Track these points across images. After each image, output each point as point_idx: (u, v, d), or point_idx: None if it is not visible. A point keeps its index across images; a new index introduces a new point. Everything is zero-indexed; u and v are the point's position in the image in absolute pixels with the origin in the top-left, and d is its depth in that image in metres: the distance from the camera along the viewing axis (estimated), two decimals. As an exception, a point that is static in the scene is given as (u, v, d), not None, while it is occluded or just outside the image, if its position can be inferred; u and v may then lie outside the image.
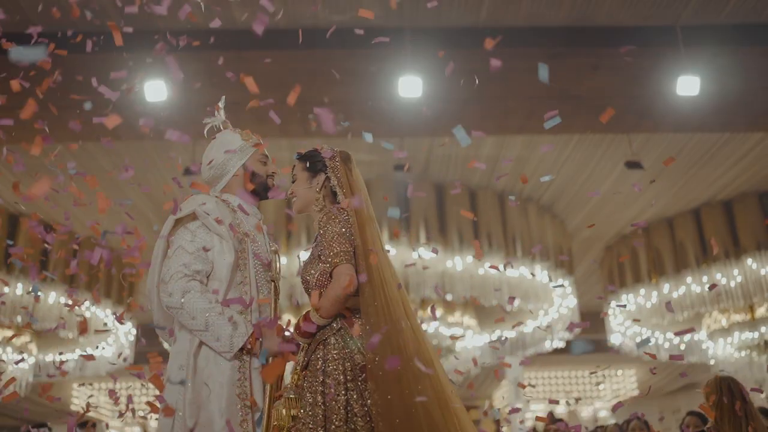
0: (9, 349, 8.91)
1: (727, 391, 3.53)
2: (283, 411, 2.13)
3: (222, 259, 2.27)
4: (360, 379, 2.09)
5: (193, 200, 2.34)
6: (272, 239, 2.56)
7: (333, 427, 2.02)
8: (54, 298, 8.38)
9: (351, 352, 2.12)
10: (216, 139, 2.52)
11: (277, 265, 2.46)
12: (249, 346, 2.19)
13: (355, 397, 2.07)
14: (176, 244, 2.28)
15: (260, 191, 2.49)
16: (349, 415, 2.05)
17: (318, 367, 2.13)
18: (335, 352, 2.13)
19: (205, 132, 2.59)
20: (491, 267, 3.09)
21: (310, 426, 2.04)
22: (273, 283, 2.40)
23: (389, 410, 1.96)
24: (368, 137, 2.30)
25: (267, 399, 2.21)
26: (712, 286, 3.55)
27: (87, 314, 8.78)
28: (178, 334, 2.28)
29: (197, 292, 2.18)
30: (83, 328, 2.55)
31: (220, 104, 2.61)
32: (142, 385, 2.44)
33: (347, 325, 2.16)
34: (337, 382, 2.08)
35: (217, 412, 2.15)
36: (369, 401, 2.03)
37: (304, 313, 2.23)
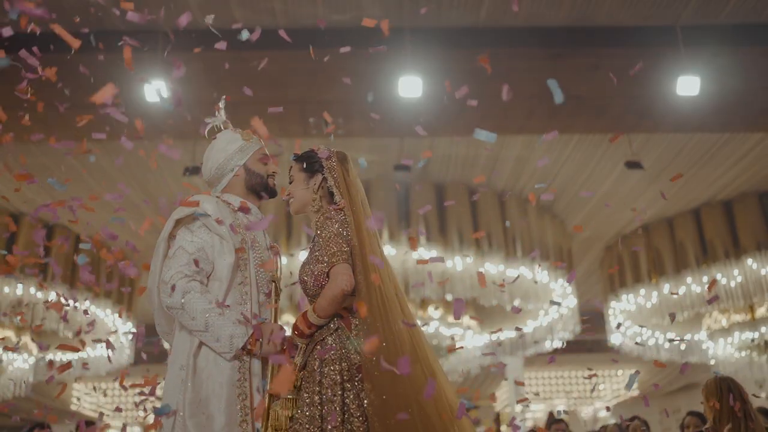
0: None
1: (726, 392, 3.54)
2: (281, 411, 2.13)
3: (222, 259, 2.27)
4: (357, 379, 2.08)
5: (193, 200, 2.34)
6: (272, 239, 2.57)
7: (329, 427, 2.02)
8: (54, 298, 8.38)
9: (348, 352, 2.12)
10: (216, 139, 2.52)
11: (278, 265, 2.46)
12: (249, 347, 2.18)
13: (351, 397, 2.06)
14: (177, 244, 2.28)
15: (261, 191, 2.50)
16: (346, 416, 2.04)
17: (315, 367, 2.13)
18: (332, 352, 2.13)
19: (205, 132, 2.59)
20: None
21: (307, 426, 2.04)
22: (274, 284, 2.40)
23: (384, 410, 1.95)
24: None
25: (266, 400, 2.21)
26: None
27: (87, 314, 8.78)
28: (179, 334, 2.28)
29: (197, 293, 2.18)
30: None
31: (221, 104, 2.61)
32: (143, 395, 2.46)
33: (344, 325, 2.17)
34: (334, 382, 2.08)
35: (216, 412, 2.15)
36: (366, 401, 2.03)
37: (301, 313, 2.22)
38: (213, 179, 2.51)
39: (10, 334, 8.69)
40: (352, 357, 2.11)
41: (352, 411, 2.05)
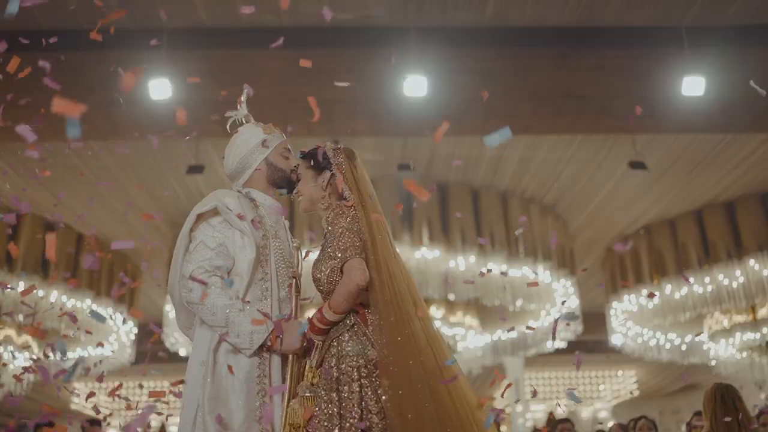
0: (10, 348, 8.89)
1: (720, 401, 3.60)
2: (298, 409, 2.12)
3: (243, 255, 2.26)
4: (374, 375, 2.07)
5: (215, 195, 2.33)
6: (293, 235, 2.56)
7: (348, 424, 2.01)
8: (56, 297, 8.36)
9: (365, 348, 2.11)
10: (238, 133, 2.50)
11: (299, 261, 2.45)
12: (269, 343, 2.17)
13: (369, 393, 2.05)
14: (197, 239, 2.27)
15: (283, 186, 2.47)
16: (364, 412, 2.03)
17: (332, 364, 2.11)
18: (349, 348, 2.12)
19: (228, 126, 2.56)
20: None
21: (325, 424, 2.03)
22: (294, 280, 2.37)
23: (401, 405, 1.95)
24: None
25: (286, 396, 2.19)
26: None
27: (87, 313, 8.76)
28: (199, 329, 2.27)
29: (218, 288, 2.17)
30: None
31: (243, 98, 2.58)
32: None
33: (360, 321, 2.15)
34: (351, 379, 2.06)
35: (235, 408, 2.13)
36: (383, 397, 2.01)
37: (317, 310, 2.20)
38: (235, 173, 2.48)
39: (11, 333, 8.67)
40: (369, 353, 2.10)
41: (370, 407, 2.04)
